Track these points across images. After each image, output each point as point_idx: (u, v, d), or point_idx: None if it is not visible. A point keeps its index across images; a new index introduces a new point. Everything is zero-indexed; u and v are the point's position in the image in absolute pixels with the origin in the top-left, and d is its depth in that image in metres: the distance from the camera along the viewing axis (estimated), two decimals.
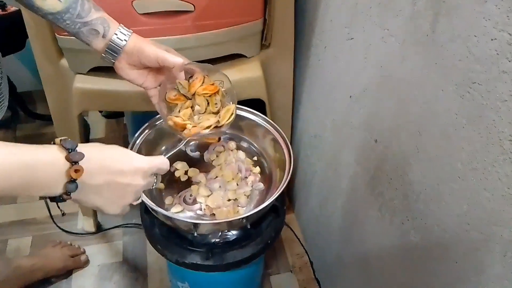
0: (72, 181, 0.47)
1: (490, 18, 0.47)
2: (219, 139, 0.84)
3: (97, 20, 0.67)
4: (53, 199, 0.49)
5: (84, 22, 0.66)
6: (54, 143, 0.48)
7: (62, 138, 0.48)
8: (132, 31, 0.70)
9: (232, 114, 0.78)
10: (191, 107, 0.79)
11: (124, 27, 0.70)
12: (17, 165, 0.43)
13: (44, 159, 0.46)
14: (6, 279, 1.16)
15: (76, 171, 0.47)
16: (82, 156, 0.48)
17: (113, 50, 0.69)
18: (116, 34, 0.68)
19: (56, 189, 0.47)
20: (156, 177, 0.62)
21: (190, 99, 0.78)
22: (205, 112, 0.79)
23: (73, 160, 0.47)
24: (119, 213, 0.57)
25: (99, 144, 0.53)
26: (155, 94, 0.77)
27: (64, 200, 0.49)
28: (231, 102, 0.80)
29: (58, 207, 0.46)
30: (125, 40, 0.68)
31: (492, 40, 0.47)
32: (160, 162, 0.60)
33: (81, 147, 0.49)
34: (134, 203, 0.59)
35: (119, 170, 0.53)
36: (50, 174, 0.46)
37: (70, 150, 0.47)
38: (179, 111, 0.78)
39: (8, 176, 0.42)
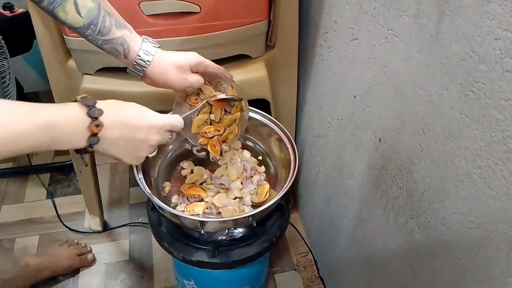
0: (94, 135, 0.52)
1: (494, 18, 0.47)
2: (221, 153, 0.88)
3: (117, 40, 0.67)
4: (78, 151, 0.53)
5: (105, 40, 0.67)
6: (75, 101, 0.52)
7: (83, 95, 0.52)
8: (156, 49, 0.70)
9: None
10: (210, 112, 0.83)
11: (148, 42, 0.70)
12: (44, 123, 0.46)
13: (68, 117, 0.50)
14: (14, 278, 1.17)
15: (97, 126, 0.51)
16: (101, 112, 0.52)
17: (136, 71, 0.70)
18: (139, 56, 0.69)
19: (81, 143, 0.52)
20: (171, 133, 0.65)
21: (212, 104, 0.82)
22: (219, 121, 0.83)
23: (93, 116, 0.51)
24: (135, 163, 0.63)
25: (116, 101, 0.57)
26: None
27: (88, 152, 0.54)
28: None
29: (82, 158, 0.51)
30: (148, 61, 0.69)
31: (496, 39, 0.48)
32: (174, 119, 0.65)
33: (100, 104, 0.52)
34: (150, 156, 0.64)
35: (134, 125, 0.57)
36: (74, 129, 0.50)
37: (90, 107, 0.51)
38: (197, 114, 0.81)
39: (37, 134, 0.46)
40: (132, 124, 0.57)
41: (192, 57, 0.73)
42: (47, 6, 0.62)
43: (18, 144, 0.45)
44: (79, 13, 0.63)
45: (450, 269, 0.63)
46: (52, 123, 0.48)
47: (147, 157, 0.64)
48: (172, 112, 0.81)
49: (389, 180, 0.78)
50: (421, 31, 0.61)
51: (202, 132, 0.83)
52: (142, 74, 0.71)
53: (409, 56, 0.65)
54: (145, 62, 0.69)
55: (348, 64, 0.88)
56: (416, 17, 0.62)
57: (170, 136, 0.65)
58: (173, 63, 0.71)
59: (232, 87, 0.81)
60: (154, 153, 0.65)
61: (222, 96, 0.80)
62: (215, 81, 0.81)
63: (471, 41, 0.52)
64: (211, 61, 0.76)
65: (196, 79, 0.74)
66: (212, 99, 0.80)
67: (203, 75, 0.77)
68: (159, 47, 0.72)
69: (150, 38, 0.71)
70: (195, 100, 0.81)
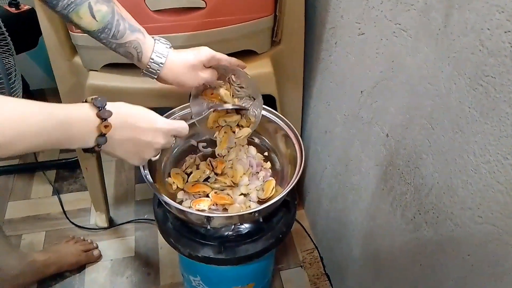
0: (102, 135, 0.54)
1: (503, 11, 0.47)
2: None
3: (130, 44, 0.68)
4: (86, 150, 0.56)
5: (119, 44, 0.68)
6: (86, 101, 0.53)
7: (93, 96, 0.53)
8: (168, 51, 0.70)
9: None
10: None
11: (160, 43, 0.70)
12: (55, 124, 0.49)
13: (78, 117, 0.52)
14: (21, 273, 1.18)
15: (105, 126, 0.53)
16: (110, 113, 0.54)
17: (150, 74, 0.72)
18: (152, 59, 0.69)
19: (89, 142, 0.54)
20: (175, 138, 0.67)
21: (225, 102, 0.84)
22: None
23: (103, 117, 0.53)
24: (138, 164, 0.65)
25: (125, 104, 0.58)
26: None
27: (95, 152, 0.56)
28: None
29: (92, 150, 0.55)
30: (161, 64, 0.70)
31: (505, 32, 0.47)
32: (180, 126, 0.66)
33: (110, 105, 0.54)
34: (153, 159, 0.66)
35: (141, 128, 0.59)
36: (84, 129, 0.52)
37: (100, 108, 0.53)
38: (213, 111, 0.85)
39: (48, 134, 0.48)
40: (139, 127, 0.59)
41: (203, 54, 0.73)
42: (61, 10, 0.63)
43: (33, 140, 0.47)
44: (93, 17, 0.64)
45: (458, 265, 0.63)
46: (67, 122, 0.50)
47: (150, 159, 0.65)
48: (189, 104, 0.84)
49: (396, 176, 0.77)
50: (429, 25, 0.61)
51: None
52: (155, 77, 0.72)
53: (417, 50, 0.65)
54: (158, 65, 0.70)
55: (355, 59, 0.88)
56: (424, 11, 0.61)
57: (173, 141, 0.67)
58: (185, 63, 0.72)
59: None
60: (158, 156, 0.67)
61: (229, 106, 0.83)
62: (230, 73, 0.82)
63: (480, 34, 0.51)
64: (223, 54, 0.76)
65: (209, 75, 0.76)
66: (219, 108, 0.83)
67: (216, 69, 0.78)
68: (171, 47, 0.72)
69: (162, 39, 0.72)
70: (211, 94, 0.83)
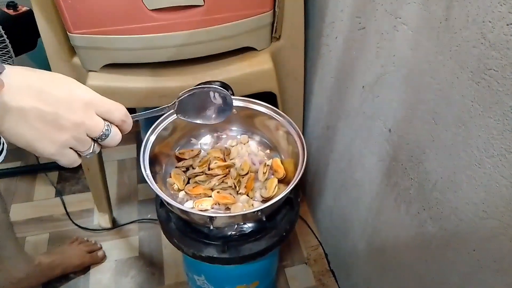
0: None
1: (505, 3, 0.46)
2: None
3: None
4: None
5: None
6: None
7: None
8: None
9: None
10: None
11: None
12: None
13: None
14: (26, 277, 1.18)
15: None
16: (2, 68, 0.40)
17: None
18: None
19: None
20: (108, 124, 0.48)
21: None
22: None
23: None
24: (54, 153, 0.45)
25: (32, 68, 0.44)
26: None
27: None
28: None
29: None
30: None
31: (507, 25, 0.46)
32: (112, 103, 0.48)
33: (7, 66, 0.41)
34: (85, 154, 0.48)
35: (49, 94, 0.43)
36: None
37: None
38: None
39: None
40: (46, 92, 0.43)
41: None
42: None
43: None
44: None
45: (464, 261, 0.62)
46: None
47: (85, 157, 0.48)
48: None
49: (400, 171, 0.77)
50: (430, 18, 0.60)
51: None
52: None
53: (418, 44, 0.64)
54: None
55: (356, 54, 0.87)
56: (424, 4, 0.61)
57: (106, 128, 0.48)
58: None
59: None
60: (91, 149, 0.48)
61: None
62: None
63: (482, 27, 0.50)
64: None
65: None
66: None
67: None
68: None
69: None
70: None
